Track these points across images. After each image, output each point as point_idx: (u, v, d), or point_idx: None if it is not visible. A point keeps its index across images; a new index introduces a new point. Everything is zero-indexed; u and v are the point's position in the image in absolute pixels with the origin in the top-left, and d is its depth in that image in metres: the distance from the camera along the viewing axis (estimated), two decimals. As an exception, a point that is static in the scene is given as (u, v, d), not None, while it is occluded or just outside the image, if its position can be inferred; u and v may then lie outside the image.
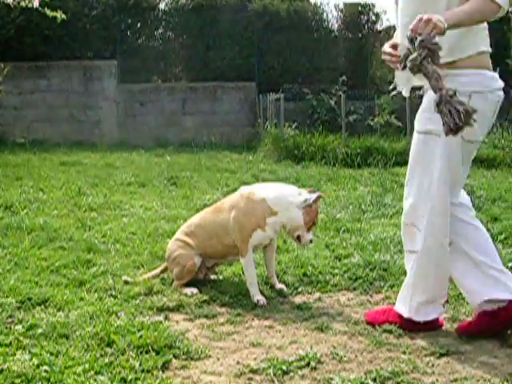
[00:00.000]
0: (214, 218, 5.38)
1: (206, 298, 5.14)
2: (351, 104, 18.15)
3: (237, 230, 5.16)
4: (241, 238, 5.14)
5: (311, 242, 5.16)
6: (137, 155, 15.51)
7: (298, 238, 5.12)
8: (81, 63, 19.60)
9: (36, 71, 19.45)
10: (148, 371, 3.76)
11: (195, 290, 5.24)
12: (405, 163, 13.39)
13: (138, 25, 21.53)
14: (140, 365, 3.80)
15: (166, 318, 4.74)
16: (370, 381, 3.67)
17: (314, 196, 5.02)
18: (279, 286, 5.38)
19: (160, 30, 21.99)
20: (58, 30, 19.13)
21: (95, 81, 19.48)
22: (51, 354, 3.90)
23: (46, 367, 3.67)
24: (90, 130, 18.90)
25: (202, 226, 5.45)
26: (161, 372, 3.79)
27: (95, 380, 3.56)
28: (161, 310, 4.85)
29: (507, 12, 3.94)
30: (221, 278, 5.68)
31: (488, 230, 6.98)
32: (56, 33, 19.52)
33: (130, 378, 3.62)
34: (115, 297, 5.13)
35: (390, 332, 4.46)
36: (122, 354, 3.95)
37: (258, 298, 5.04)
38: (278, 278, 5.49)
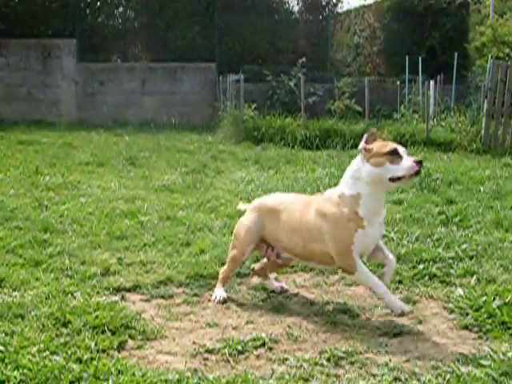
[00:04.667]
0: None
1: (162, 278, 5.14)
2: (311, 86, 18.17)
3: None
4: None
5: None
6: (95, 135, 15.38)
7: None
8: (39, 41, 19.30)
9: (-7, 49, 19.18)
10: (103, 351, 3.76)
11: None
12: (363, 146, 13.51)
13: (98, 3, 21.29)
14: (96, 345, 3.81)
15: (123, 298, 4.74)
16: (324, 360, 3.71)
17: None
18: None
19: (120, 9, 21.78)
20: (16, 7, 18.87)
21: (54, 59, 19.24)
22: (6, 334, 3.88)
23: (0, 347, 3.65)
24: (48, 108, 18.69)
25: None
26: (116, 352, 3.80)
27: (50, 360, 3.55)
28: (117, 290, 4.86)
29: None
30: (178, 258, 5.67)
31: (443, 212, 7.13)
32: (14, 10, 19.24)
33: (85, 357, 3.62)
34: (71, 277, 5.11)
35: (345, 312, 4.52)
36: (78, 334, 3.95)
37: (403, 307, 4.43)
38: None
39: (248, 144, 13.97)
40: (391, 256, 4.55)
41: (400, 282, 5.10)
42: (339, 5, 22.87)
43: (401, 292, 4.92)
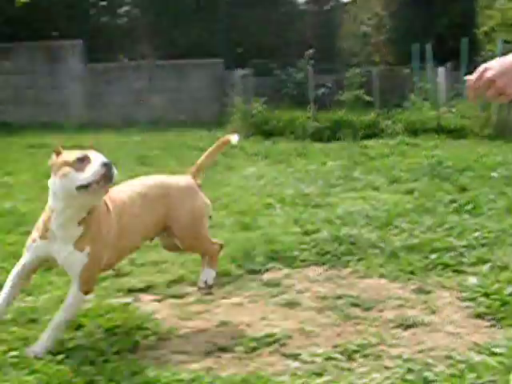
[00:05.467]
0: None
1: (175, 277, 5.15)
2: (319, 78, 18.11)
3: None
4: None
5: None
6: (105, 135, 15.41)
7: None
8: (45, 43, 19.35)
9: (0, 53, 19.22)
10: (117, 353, 3.77)
11: None
12: (374, 136, 13.51)
13: (103, 3, 21.32)
14: (110, 347, 3.82)
15: (135, 299, 4.75)
16: (337, 354, 3.72)
17: None
18: None
19: (125, 8, 21.79)
20: (21, 10, 18.90)
21: (61, 61, 19.29)
22: (20, 339, 3.90)
23: (14, 353, 3.67)
24: (56, 111, 18.72)
25: None
26: (130, 354, 3.80)
27: (64, 364, 3.56)
28: (130, 291, 4.87)
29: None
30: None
31: (455, 200, 7.11)
32: (19, 13, 19.28)
33: (99, 360, 3.63)
34: (84, 280, 5.12)
35: (358, 306, 4.51)
36: (91, 337, 3.96)
37: None
38: (248, 254, 5.53)
39: (258, 138, 13.96)
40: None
41: (412, 272, 5.09)
42: (345, -5, 22.83)
43: (413, 283, 4.91)
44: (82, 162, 3.72)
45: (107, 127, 16.62)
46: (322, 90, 17.76)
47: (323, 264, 5.47)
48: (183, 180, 4.69)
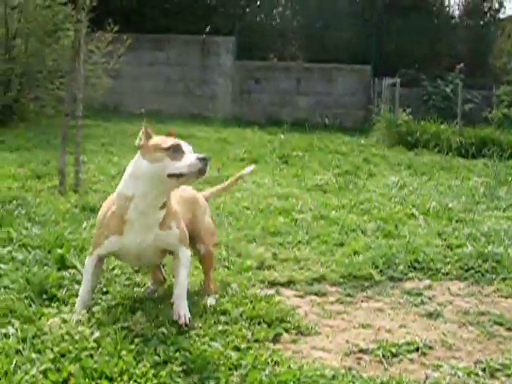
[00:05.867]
0: None
1: (316, 275, 5.20)
2: (468, 93, 17.79)
3: None
4: None
5: None
6: (250, 131, 15.66)
7: None
8: (199, 38, 19.83)
9: (155, 44, 19.83)
10: (259, 342, 3.85)
11: None
12: (521, 156, 13.07)
13: (258, 2, 21.65)
14: (252, 335, 3.91)
15: (277, 292, 4.83)
16: (479, 370, 3.66)
17: None
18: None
19: (279, 9, 22.05)
20: (178, 3, 19.44)
21: (212, 56, 19.73)
22: (166, 316, 4.04)
23: (163, 329, 3.81)
24: (204, 104, 19.17)
25: None
26: (272, 344, 3.88)
27: (209, 346, 3.67)
28: (272, 284, 4.94)
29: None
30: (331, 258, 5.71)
31: None
32: (176, 6, 19.84)
33: (242, 346, 3.72)
34: (228, 268, 5.26)
35: (501, 324, 4.43)
36: (235, 324, 4.07)
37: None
38: (390, 261, 5.53)
39: (401, 149, 13.87)
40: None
41: None
42: (501, 10, 22.29)
43: None
44: (177, 151, 3.81)
45: (252, 124, 16.86)
46: (470, 105, 17.43)
47: (466, 279, 5.40)
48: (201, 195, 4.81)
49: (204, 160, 3.76)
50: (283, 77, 19.58)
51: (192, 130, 14.80)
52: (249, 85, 19.62)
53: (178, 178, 3.81)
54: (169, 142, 3.87)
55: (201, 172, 3.77)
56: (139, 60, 19.50)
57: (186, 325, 3.90)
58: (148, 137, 3.96)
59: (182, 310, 3.98)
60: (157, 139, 3.92)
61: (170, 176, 3.81)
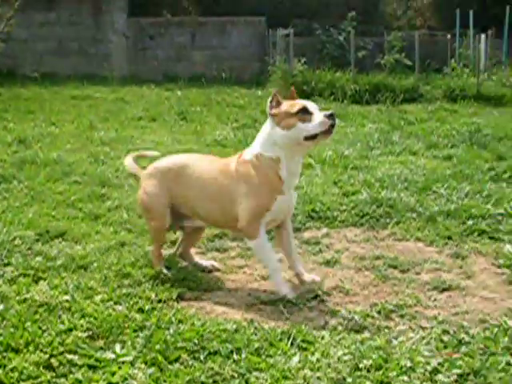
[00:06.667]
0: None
1: (217, 232, 5.30)
2: (360, 40, 18.00)
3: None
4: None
5: None
6: (147, 89, 15.54)
7: None
8: (89, -4, 19.43)
9: (45, 4, 19.31)
10: (164, 302, 3.94)
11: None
12: (413, 100, 13.42)
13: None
14: (156, 296, 3.99)
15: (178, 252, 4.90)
16: (375, 313, 3.85)
17: None
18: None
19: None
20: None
21: (105, 14, 19.37)
22: (71, 284, 4.08)
23: (66, 297, 3.85)
24: (99, 63, 18.83)
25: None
26: (176, 303, 3.97)
27: (114, 309, 3.74)
28: (174, 243, 4.98)
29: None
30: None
31: (493, 168, 7.16)
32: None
33: (147, 308, 3.81)
34: (130, 230, 5.30)
35: (395, 267, 4.64)
36: (139, 286, 4.14)
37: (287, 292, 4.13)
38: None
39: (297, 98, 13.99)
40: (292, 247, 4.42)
41: (449, 237, 5.20)
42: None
43: (450, 247, 5.02)
44: (305, 112, 4.00)
45: (149, 81, 16.72)
46: (363, 52, 17.67)
47: (361, 225, 5.60)
48: None
49: (332, 116, 3.97)
50: (178, 32, 19.40)
51: (88, 91, 14.59)
52: (143, 42, 19.38)
53: (313, 138, 4.01)
54: (296, 105, 4.03)
55: (331, 128, 3.97)
56: (30, 21, 18.96)
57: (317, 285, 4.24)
58: (278, 103, 4.10)
59: (307, 275, 4.37)
60: (285, 105, 4.07)
61: (307, 139, 4.01)
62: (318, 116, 3.97)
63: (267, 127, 4.15)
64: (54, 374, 3.09)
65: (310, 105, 4.06)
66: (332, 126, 3.96)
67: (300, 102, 4.08)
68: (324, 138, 4.04)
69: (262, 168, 4.11)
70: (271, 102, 4.12)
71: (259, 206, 4.08)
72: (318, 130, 3.96)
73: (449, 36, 16.82)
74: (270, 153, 4.10)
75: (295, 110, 4.00)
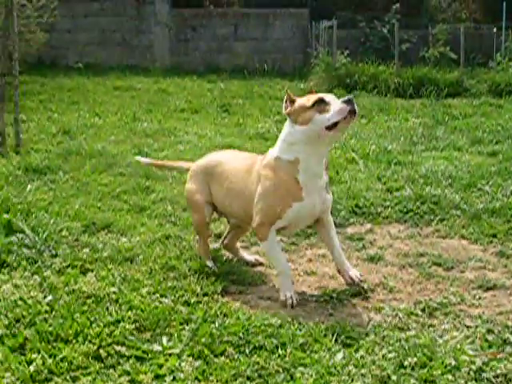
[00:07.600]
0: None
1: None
2: (404, 33, 17.88)
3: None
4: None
5: None
6: (189, 81, 15.58)
7: None
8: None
9: (88, -6, 19.47)
10: (209, 295, 3.98)
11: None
12: (457, 94, 13.27)
13: None
14: (201, 289, 4.03)
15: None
16: (418, 311, 3.85)
17: None
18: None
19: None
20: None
21: (147, 5, 19.43)
22: (118, 276, 4.14)
23: (114, 289, 3.91)
24: (142, 54, 18.94)
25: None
26: (220, 296, 4.01)
27: (160, 302, 3.79)
28: (219, 237, 5.02)
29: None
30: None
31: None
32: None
33: (192, 301, 3.85)
34: (175, 223, 5.36)
35: (439, 265, 4.62)
36: (184, 279, 4.18)
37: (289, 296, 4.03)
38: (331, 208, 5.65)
39: (340, 91, 13.93)
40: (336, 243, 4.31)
41: (494, 235, 5.16)
42: None
43: (494, 246, 4.99)
44: (321, 103, 3.94)
45: (191, 73, 16.77)
46: (407, 45, 17.55)
47: (405, 222, 5.58)
48: None
49: (350, 101, 3.87)
50: (220, 24, 19.42)
51: (131, 82, 14.67)
52: (186, 33, 19.43)
53: (334, 127, 3.89)
54: (311, 98, 3.99)
55: (351, 113, 3.86)
56: (73, 12, 19.11)
57: (361, 281, 4.19)
58: (292, 102, 4.07)
59: (351, 271, 4.23)
60: (299, 101, 4.03)
61: (328, 128, 3.90)
62: (336, 104, 3.89)
63: (286, 128, 4.11)
64: (103, 365, 3.15)
65: (326, 96, 4.02)
66: (352, 112, 3.86)
67: (314, 95, 4.03)
68: (345, 125, 3.94)
69: (278, 172, 4.04)
70: (285, 101, 4.09)
71: (269, 212, 4.04)
72: (338, 118, 3.86)
73: (495, 29, 16.63)
74: (288, 155, 4.03)
75: (311, 102, 3.96)
